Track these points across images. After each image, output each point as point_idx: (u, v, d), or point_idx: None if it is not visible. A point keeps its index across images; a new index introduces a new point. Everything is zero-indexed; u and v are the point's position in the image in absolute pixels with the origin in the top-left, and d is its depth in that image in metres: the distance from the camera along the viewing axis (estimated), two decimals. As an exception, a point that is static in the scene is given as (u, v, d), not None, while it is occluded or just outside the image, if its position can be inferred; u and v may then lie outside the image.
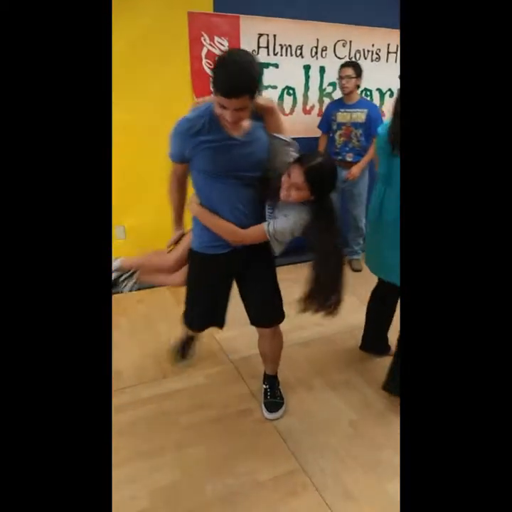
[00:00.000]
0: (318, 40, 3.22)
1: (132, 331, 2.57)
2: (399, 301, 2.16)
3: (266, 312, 1.76)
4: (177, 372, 2.15)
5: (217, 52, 2.95)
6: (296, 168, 1.39)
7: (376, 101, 3.60)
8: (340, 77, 3.06)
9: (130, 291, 1.96)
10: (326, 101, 3.41)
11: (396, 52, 3.53)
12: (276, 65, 3.17)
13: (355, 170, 3.15)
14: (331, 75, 3.30)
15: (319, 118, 3.37)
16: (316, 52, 3.26)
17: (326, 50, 3.27)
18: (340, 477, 1.59)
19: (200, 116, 1.40)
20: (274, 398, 1.92)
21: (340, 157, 3.23)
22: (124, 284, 1.91)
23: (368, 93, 3.56)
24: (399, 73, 3.60)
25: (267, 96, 1.37)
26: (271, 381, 1.96)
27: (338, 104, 3.20)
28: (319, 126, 3.35)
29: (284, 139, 1.50)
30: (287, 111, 3.35)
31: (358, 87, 3.10)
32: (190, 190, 1.62)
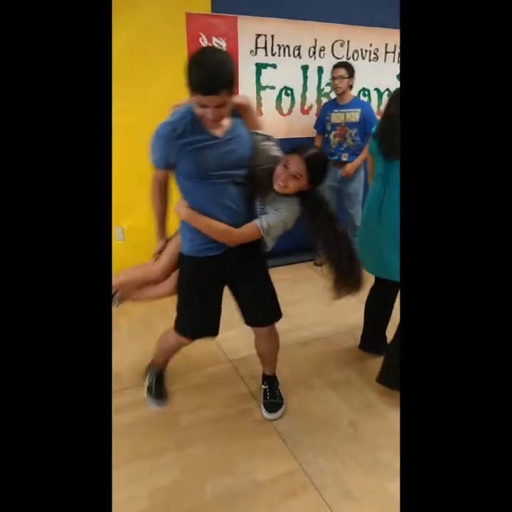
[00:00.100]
0: (316, 40, 3.23)
1: (132, 331, 2.57)
2: (397, 299, 2.16)
3: (262, 311, 1.74)
4: (177, 372, 2.15)
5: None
6: (295, 158, 1.41)
7: (374, 101, 3.61)
8: (333, 78, 3.08)
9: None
10: (324, 101, 3.41)
11: (394, 52, 3.54)
12: (274, 66, 3.17)
13: (350, 167, 3.18)
14: (329, 75, 3.30)
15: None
16: (314, 53, 3.26)
17: (323, 50, 3.28)
18: (340, 477, 1.59)
19: (181, 119, 1.39)
20: (273, 398, 1.92)
21: (335, 157, 3.24)
22: None
23: (366, 93, 3.56)
24: (396, 73, 3.61)
25: (242, 94, 1.39)
26: (270, 381, 1.96)
27: (332, 105, 3.22)
28: (315, 127, 3.37)
29: (264, 133, 1.53)
30: (285, 111, 3.36)
31: (351, 87, 3.12)
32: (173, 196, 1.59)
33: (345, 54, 3.35)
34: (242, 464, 1.64)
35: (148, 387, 1.92)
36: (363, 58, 3.43)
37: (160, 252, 1.73)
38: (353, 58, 3.38)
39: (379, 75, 3.54)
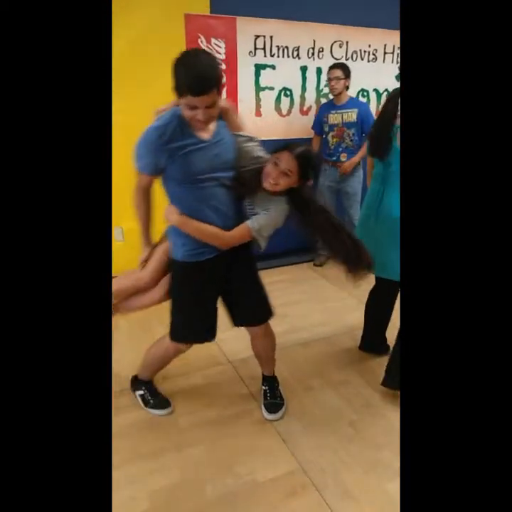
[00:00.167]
0: (314, 41, 3.23)
1: (131, 332, 2.57)
2: (398, 300, 2.17)
3: (256, 311, 1.74)
4: (177, 374, 2.15)
5: (214, 54, 2.95)
6: (286, 155, 1.42)
7: (373, 102, 3.61)
8: (329, 79, 3.10)
9: None
10: (323, 102, 3.42)
11: (392, 53, 3.54)
12: (273, 67, 3.18)
13: (347, 164, 3.20)
14: (329, 76, 3.32)
15: (317, 119, 3.38)
16: (313, 54, 3.27)
17: (322, 51, 3.29)
18: (340, 477, 1.59)
19: (168, 124, 1.38)
20: (273, 399, 1.91)
21: (334, 158, 3.25)
22: None
23: (365, 94, 3.57)
24: (395, 74, 3.62)
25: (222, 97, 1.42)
26: (270, 382, 1.96)
27: (329, 106, 3.23)
28: (313, 128, 3.38)
29: (247, 135, 1.54)
30: (284, 112, 3.36)
31: (348, 88, 3.14)
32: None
33: (344, 55, 3.36)
34: (242, 465, 1.64)
35: (145, 403, 1.91)
36: (362, 59, 3.44)
37: (147, 259, 1.70)
38: (352, 59, 3.38)
39: (378, 75, 3.55)
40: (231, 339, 2.39)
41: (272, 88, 3.24)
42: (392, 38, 3.46)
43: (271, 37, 3.08)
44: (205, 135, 1.43)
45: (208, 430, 1.81)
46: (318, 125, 3.31)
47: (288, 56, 3.20)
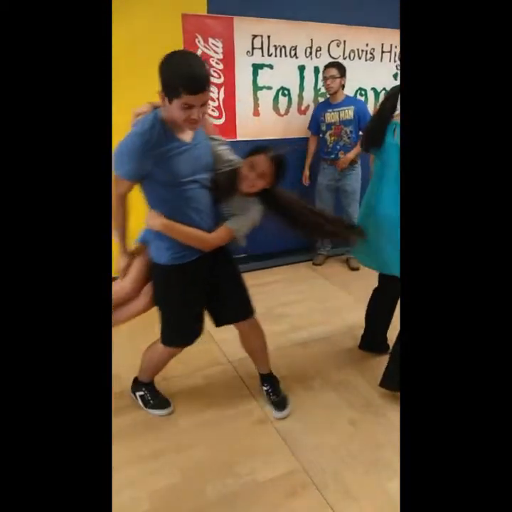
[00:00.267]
0: (312, 40, 3.23)
1: (131, 333, 2.56)
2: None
3: (240, 309, 1.77)
4: (177, 374, 2.15)
5: (211, 53, 2.96)
6: (262, 159, 1.47)
7: (371, 100, 3.61)
8: (325, 78, 3.10)
9: None
10: (321, 100, 3.42)
11: (390, 52, 3.54)
12: (270, 66, 3.18)
13: (341, 161, 3.21)
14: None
15: (315, 118, 3.38)
16: (311, 53, 3.27)
17: (320, 50, 3.28)
18: (340, 476, 1.59)
19: (151, 128, 1.36)
20: (278, 397, 1.92)
21: (333, 156, 3.25)
22: None
23: (363, 92, 3.57)
24: (393, 72, 3.62)
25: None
26: (270, 381, 1.96)
27: (326, 105, 3.23)
28: (309, 128, 3.38)
29: (219, 138, 1.60)
30: (282, 111, 3.36)
31: (343, 86, 3.14)
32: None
33: (341, 54, 3.36)
34: (242, 465, 1.64)
35: (144, 403, 1.91)
36: (360, 58, 3.44)
37: (127, 267, 1.67)
38: (350, 58, 3.39)
39: (375, 74, 3.54)
40: (231, 339, 2.38)
41: (269, 88, 3.24)
42: (389, 37, 3.46)
43: (268, 36, 3.08)
44: (187, 138, 1.44)
45: (208, 430, 1.81)
46: (315, 125, 3.31)
47: (285, 55, 3.20)
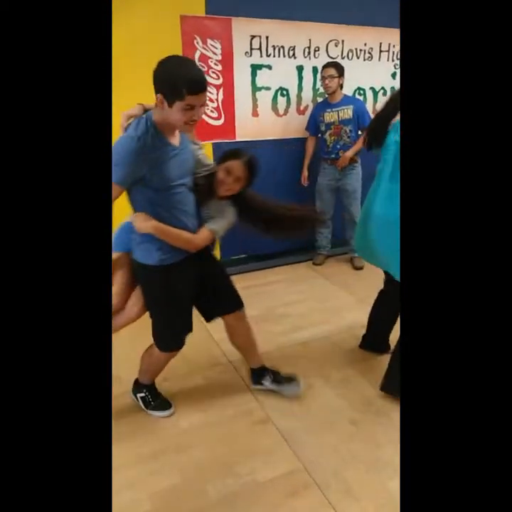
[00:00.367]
0: (310, 40, 3.23)
1: (131, 334, 2.56)
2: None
3: (232, 298, 1.83)
4: (177, 374, 2.14)
5: (210, 54, 2.97)
6: (237, 163, 1.57)
7: (369, 100, 3.61)
8: (323, 78, 3.10)
9: None
10: (320, 101, 3.42)
11: (388, 51, 3.54)
12: (269, 67, 3.18)
13: (341, 161, 3.21)
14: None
15: (314, 118, 3.38)
16: (309, 53, 3.27)
17: (318, 50, 3.29)
18: (341, 476, 1.58)
19: (145, 132, 1.37)
20: (283, 382, 1.97)
21: (333, 155, 3.25)
22: None
23: (362, 92, 3.57)
24: (391, 72, 3.63)
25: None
26: (266, 370, 1.98)
27: (324, 105, 3.23)
28: (307, 129, 3.38)
29: (198, 143, 1.67)
30: (281, 112, 3.36)
31: (341, 86, 3.14)
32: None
33: (339, 54, 3.36)
34: (242, 465, 1.64)
35: (145, 405, 1.91)
36: (358, 57, 3.44)
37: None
38: (348, 58, 3.39)
39: (374, 74, 3.55)
40: (231, 339, 2.38)
41: (268, 88, 3.24)
42: (387, 36, 3.46)
43: (267, 37, 3.09)
44: (176, 142, 1.46)
45: (208, 430, 1.80)
46: (313, 125, 3.31)
47: (284, 56, 3.20)
